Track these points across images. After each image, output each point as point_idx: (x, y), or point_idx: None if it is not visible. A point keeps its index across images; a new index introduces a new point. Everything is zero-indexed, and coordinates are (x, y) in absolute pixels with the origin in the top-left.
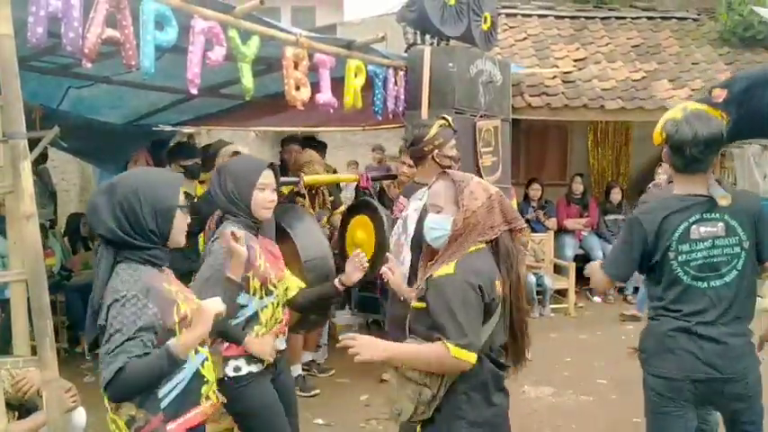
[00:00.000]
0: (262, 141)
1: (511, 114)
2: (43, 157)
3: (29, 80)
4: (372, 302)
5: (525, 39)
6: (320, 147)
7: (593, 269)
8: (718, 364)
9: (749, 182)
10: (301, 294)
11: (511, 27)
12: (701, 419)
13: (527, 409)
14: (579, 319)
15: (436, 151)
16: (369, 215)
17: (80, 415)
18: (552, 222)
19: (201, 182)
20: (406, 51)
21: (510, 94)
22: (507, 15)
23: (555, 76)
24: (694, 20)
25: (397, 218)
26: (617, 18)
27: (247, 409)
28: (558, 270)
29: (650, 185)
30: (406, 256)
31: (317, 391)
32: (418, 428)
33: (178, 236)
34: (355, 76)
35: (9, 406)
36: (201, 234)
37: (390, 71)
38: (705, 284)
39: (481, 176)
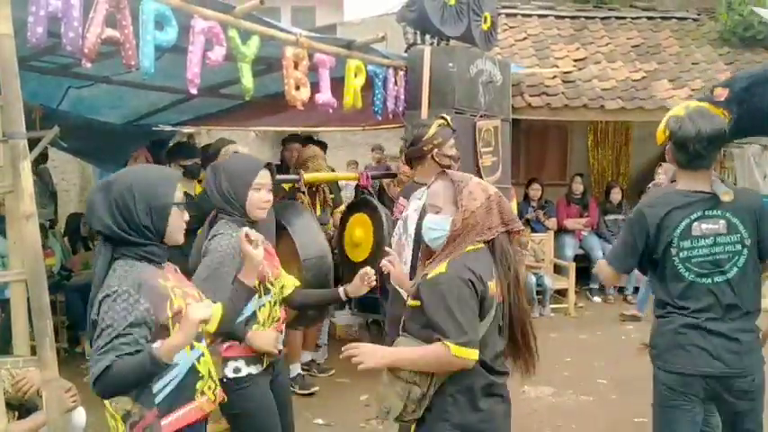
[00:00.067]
0: (262, 141)
1: (511, 114)
2: (44, 158)
3: (29, 80)
4: (372, 302)
5: (525, 39)
6: (320, 146)
7: (600, 264)
8: (729, 360)
9: (749, 182)
10: (302, 297)
11: (511, 27)
12: (704, 422)
13: (527, 409)
14: (579, 319)
15: (435, 150)
16: (368, 213)
17: (80, 415)
18: (552, 222)
19: (200, 181)
20: (406, 51)
21: (510, 94)
22: (507, 15)
23: (555, 76)
24: (694, 20)
25: (398, 219)
26: (617, 18)
27: (244, 410)
28: (558, 270)
29: (650, 185)
30: (408, 255)
31: (316, 388)
32: (413, 428)
33: (176, 233)
34: (355, 76)
35: (9, 406)
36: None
37: (390, 71)
38: (709, 280)
39: (481, 176)
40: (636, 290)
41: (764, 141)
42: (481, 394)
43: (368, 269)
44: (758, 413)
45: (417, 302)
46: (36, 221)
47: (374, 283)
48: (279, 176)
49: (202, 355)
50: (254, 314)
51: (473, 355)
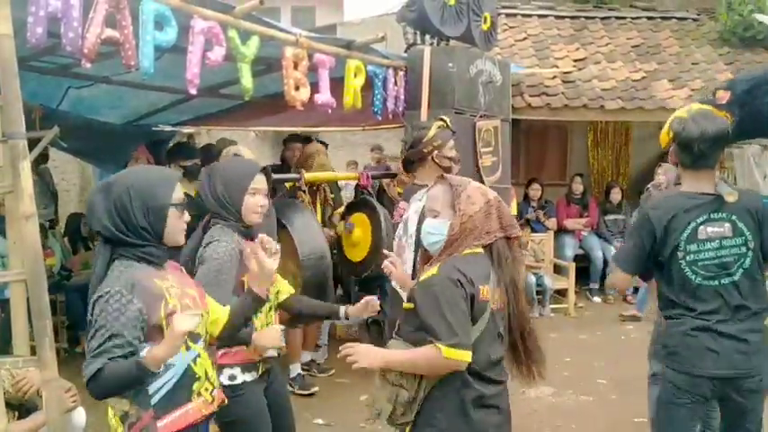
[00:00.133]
0: (262, 141)
1: (511, 114)
2: (44, 158)
3: (28, 80)
4: None
5: (525, 39)
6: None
7: (611, 275)
8: (738, 361)
9: (749, 182)
10: (299, 304)
11: (511, 27)
12: (705, 422)
13: (527, 409)
14: (579, 320)
15: (435, 152)
16: (367, 213)
17: (80, 415)
18: (552, 222)
19: None
20: (405, 51)
21: (510, 95)
22: (507, 15)
23: (555, 77)
24: (694, 20)
25: (398, 222)
26: (617, 18)
27: (240, 417)
28: (557, 270)
29: (649, 186)
30: (408, 257)
31: (316, 388)
32: (407, 430)
33: (174, 234)
34: (355, 76)
35: (9, 406)
36: None
37: (390, 71)
38: (716, 283)
39: (481, 176)
40: (636, 290)
41: (764, 141)
42: (472, 403)
43: (372, 297)
44: (758, 412)
45: (411, 305)
46: (36, 222)
47: (378, 309)
48: (279, 176)
49: (199, 356)
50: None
51: (464, 356)
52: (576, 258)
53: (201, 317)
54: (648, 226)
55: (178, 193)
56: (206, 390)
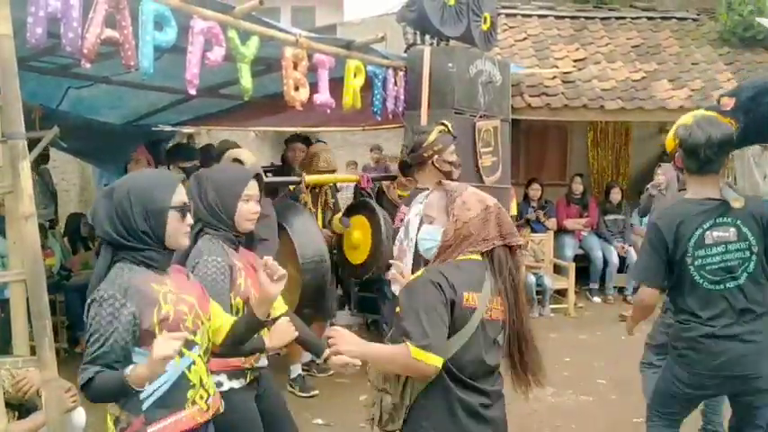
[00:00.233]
0: (261, 141)
1: (510, 114)
2: (45, 158)
3: (28, 80)
4: (372, 303)
5: (525, 39)
6: None
7: (639, 293)
8: (746, 362)
9: (749, 182)
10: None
11: (511, 27)
12: (707, 420)
13: (527, 410)
14: (579, 320)
15: (436, 157)
16: (366, 216)
17: (79, 415)
18: (552, 222)
19: None
20: (405, 51)
21: (509, 95)
22: (507, 15)
23: (555, 77)
24: (694, 20)
25: (399, 227)
26: (617, 18)
27: (227, 422)
28: (557, 270)
29: (649, 186)
30: (409, 261)
31: (316, 392)
32: None
33: (176, 237)
34: (354, 76)
35: (9, 406)
36: None
37: (390, 71)
38: (722, 287)
39: (481, 177)
40: (635, 290)
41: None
42: (459, 412)
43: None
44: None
45: (399, 309)
46: (35, 222)
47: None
48: (281, 178)
49: (194, 363)
50: None
51: (433, 360)
52: (576, 258)
53: (188, 339)
54: (659, 236)
55: (179, 196)
56: (201, 398)
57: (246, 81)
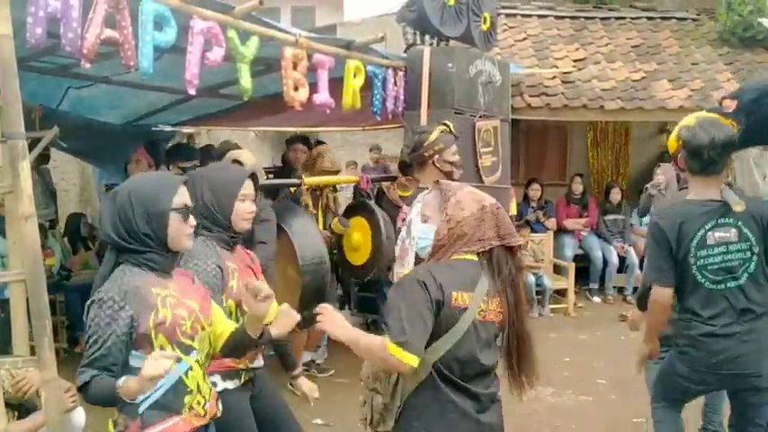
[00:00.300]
0: (261, 141)
1: (510, 114)
2: (45, 158)
3: (28, 80)
4: (372, 303)
5: (525, 39)
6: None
7: (654, 295)
8: (746, 361)
9: (749, 182)
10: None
11: (510, 27)
12: (707, 420)
13: (526, 410)
14: (578, 320)
15: (437, 156)
16: (366, 217)
17: (79, 415)
18: (552, 222)
19: None
20: (405, 52)
21: (509, 95)
22: (507, 15)
23: (554, 77)
24: (694, 20)
25: (401, 226)
26: (617, 18)
27: (219, 423)
28: (557, 270)
29: (648, 185)
30: (411, 260)
31: (316, 394)
32: None
33: (178, 239)
34: (354, 76)
35: (9, 406)
36: None
37: (390, 71)
38: (723, 286)
39: (481, 177)
40: (635, 290)
41: None
42: (453, 415)
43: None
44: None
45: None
46: (35, 222)
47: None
48: (280, 180)
49: (191, 368)
50: None
51: (408, 359)
52: (576, 258)
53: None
54: (662, 235)
55: (180, 197)
56: (198, 403)
57: (246, 81)
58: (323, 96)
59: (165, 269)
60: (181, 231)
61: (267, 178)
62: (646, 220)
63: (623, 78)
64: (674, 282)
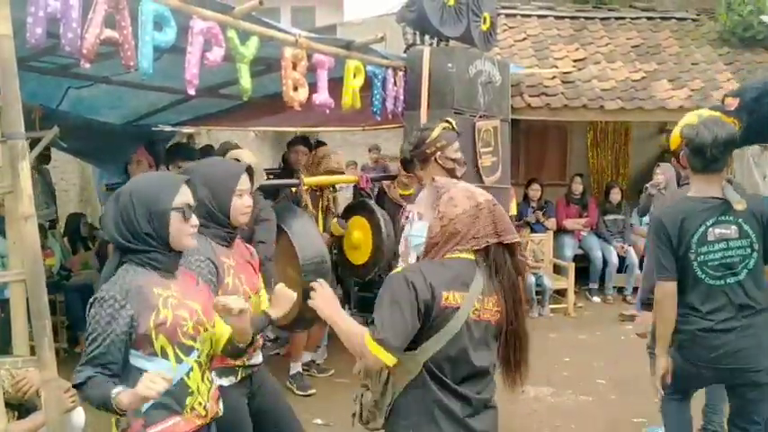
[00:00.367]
0: (261, 141)
1: (510, 115)
2: (46, 158)
3: (28, 80)
4: (371, 303)
5: (525, 39)
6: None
7: (657, 287)
8: (742, 356)
9: (749, 182)
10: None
11: (510, 27)
12: (707, 420)
13: (526, 410)
14: (578, 320)
15: (439, 153)
16: (366, 217)
17: (79, 415)
18: (552, 222)
19: None
20: (405, 52)
21: (509, 95)
22: (507, 16)
23: (554, 77)
24: (694, 20)
25: (404, 225)
26: (616, 18)
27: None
28: (557, 270)
29: (648, 185)
30: (413, 258)
31: (313, 390)
32: None
33: (180, 238)
34: (354, 76)
35: (9, 406)
36: None
37: (389, 71)
38: (722, 282)
39: (481, 177)
40: (635, 290)
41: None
42: (443, 419)
43: None
44: (765, 405)
45: None
46: (35, 222)
47: None
48: (280, 181)
49: (191, 369)
50: None
51: (384, 357)
52: (576, 258)
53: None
54: (664, 230)
55: (182, 197)
56: (199, 404)
57: (246, 81)
58: (322, 96)
59: (169, 269)
60: (182, 231)
61: (268, 179)
62: (645, 219)
63: (623, 78)
64: (676, 276)
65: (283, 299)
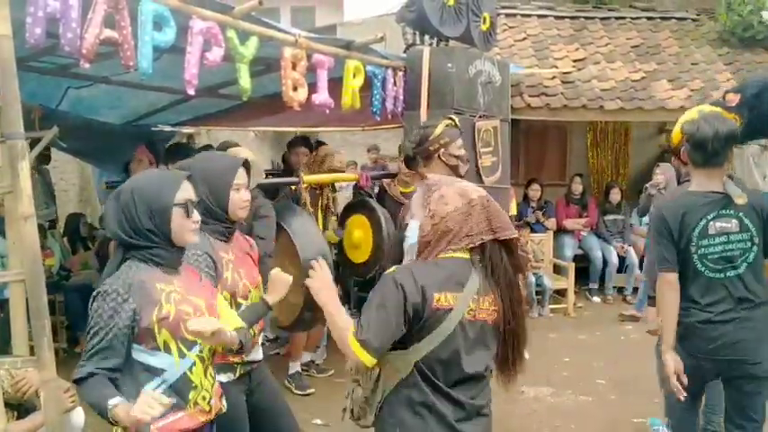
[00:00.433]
0: (261, 141)
1: (510, 115)
2: (47, 158)
3: (28, 80)
4: None
5: (524, 39)
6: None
7: (658, 279)
8: (740, 348)
9: (749, 182)
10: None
11: (510, 27)
12: (707, 420)
13: (526, 410)
14: (578, 320)
15: (442, 150)
16: (366, 215)
17: (78, 415)
18: (551, 222)
19: None
20: (405, 52)
21: (509, 95)
22: (507, 15)
23: (554, 77)
24: (693, 20)
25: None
26: (616, 18)
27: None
28: (557, 270)
29: (647, 185)
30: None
31: (312, 390)
32: None
33: (182, 234)
34: (354, 76)
35: (8, 406)
36: None
37: (389, 71)
38: (722, 275)
39: (481, 177)
40: (635, 290)
41: (763, 142)
42: (430, 418)
43: None
44: (762, 400)
45: None
46: (34, 222)
47: None
48: (277, 179)
49: (194, 364)
50: None
51: (364, 357)
52: (576, 258)
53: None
54: (665, 224)
55: (183, 193)
56: (203, 398)
57: (245, 81)
58: (322, 96)
59: (172, 265)
60: (184, 227)
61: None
62: (645, 219)
63: (623, 78)
64: (677, 267)
65: (279, 284)
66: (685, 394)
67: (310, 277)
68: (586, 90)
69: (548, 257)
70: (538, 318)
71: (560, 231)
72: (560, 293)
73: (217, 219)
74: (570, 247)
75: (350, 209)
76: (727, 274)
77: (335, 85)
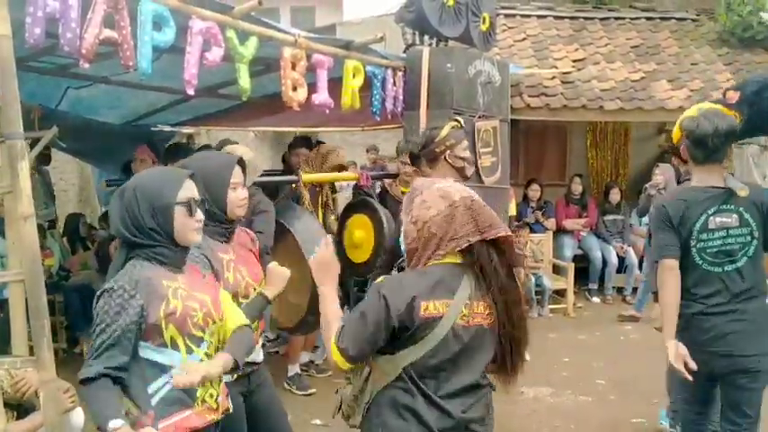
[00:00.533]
0: (261, 141)
1: (510, 115)
2: (46, 158)
3: (27, 80)
4: None
5: (524, 39)
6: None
7: (659, 267)
8: (733, 340)
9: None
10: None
11: (510, 27)
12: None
13: (525, 410)
14: (578, 320)
15: (448, 152)
16: (368, 215)
17: (78, 415)
18: (551, 223)
19: None
20: (404, 52)
21: (509, 95)
22: (506, 16)
23: (554, 77)
24: (693, 20)
25: None
26: (616, 18)
27: None
28: (556, 270)
29: (647, 186)
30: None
31: (313, 390)
32: None
33: (185, 233)
34: (353, 76)
35: (7, 406)
36: None
37: (389, 72)
38: (720, 269)
39: (480, 177)
40: (635, 290)
41: (763, 142)
42: (414, 425)
43: None
44: (757, 396)
45: None
46: (34, 222)
47: None
48: (277, 178)
49: (201, 361)
50: None
51: (341, 363)
52: (575, 259)
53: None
54: (666, 217)
55: (186, 191)
56: (210, 396)
57: (245, 81)
58: (322, 96)
59: (175, 263)
60: (187, 225)
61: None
62: (645, 220)
63: (622, 79)
64: (678, 255)
65: (277, 277)
66: (691, 378)
67: (316, 259)
68: (586, 90)
69: (547, 258)
70: (537, 318)
71: (560, 232)
72: (560, 294)
73: (216, 220)
74: (570, 248)
75: (351, 209)
76: (726, 267)
77: (335, 85)
